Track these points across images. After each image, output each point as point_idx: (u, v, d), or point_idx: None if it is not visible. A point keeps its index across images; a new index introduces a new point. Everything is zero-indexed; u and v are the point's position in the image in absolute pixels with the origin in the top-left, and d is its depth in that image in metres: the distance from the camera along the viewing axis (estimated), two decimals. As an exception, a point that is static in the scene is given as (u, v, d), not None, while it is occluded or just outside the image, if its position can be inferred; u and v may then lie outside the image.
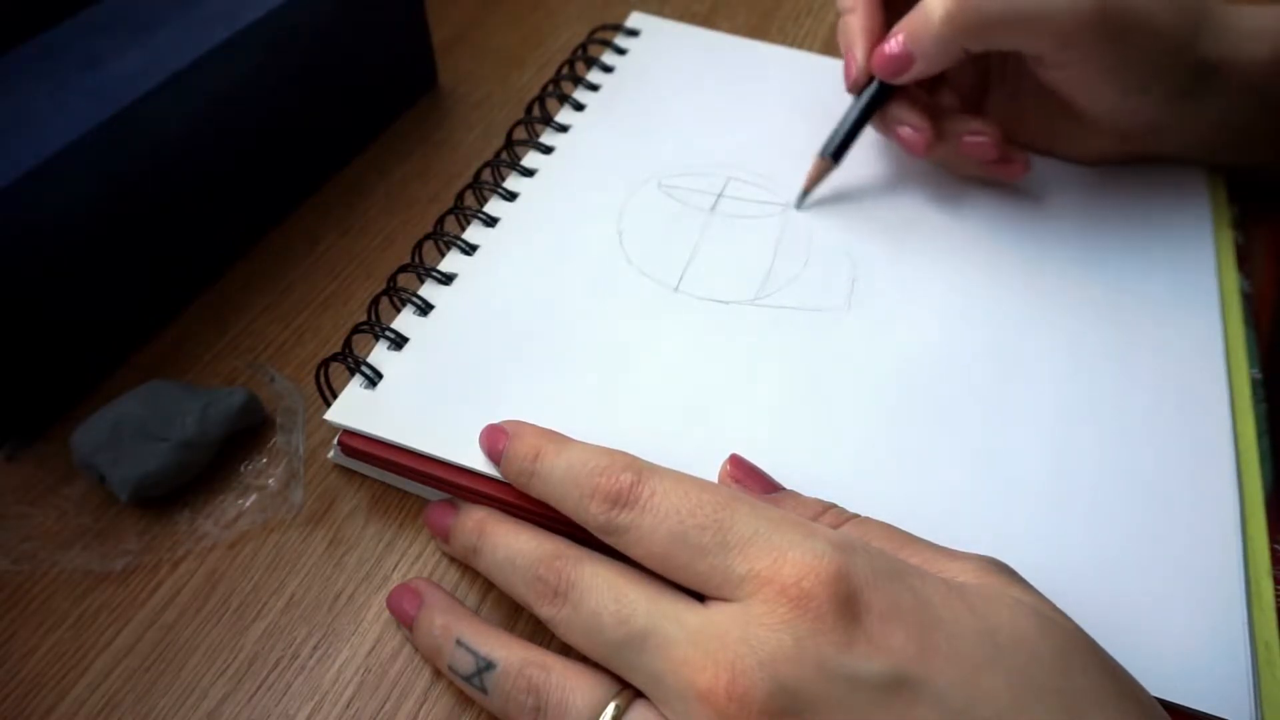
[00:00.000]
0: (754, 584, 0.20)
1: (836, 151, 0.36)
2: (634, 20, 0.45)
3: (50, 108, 0.28)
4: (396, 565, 0.28)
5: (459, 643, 0.24)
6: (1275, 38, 0.34)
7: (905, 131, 0.35)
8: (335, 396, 0.28)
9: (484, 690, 0.23)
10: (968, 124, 0.35)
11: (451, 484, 0.27)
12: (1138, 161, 0.38)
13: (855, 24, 0.35)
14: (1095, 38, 0.32)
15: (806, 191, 0.36)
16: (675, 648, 0.20)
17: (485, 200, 0.35)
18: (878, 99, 0.35)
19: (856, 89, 0.36)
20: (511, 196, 0.35)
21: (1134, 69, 0.33)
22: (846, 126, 0.36)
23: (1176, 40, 0.33)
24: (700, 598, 0.22)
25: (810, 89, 0.41)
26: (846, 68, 0.36)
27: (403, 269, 0.32)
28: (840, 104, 0.36)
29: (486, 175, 0.36)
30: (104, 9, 0.32)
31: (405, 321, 0.31)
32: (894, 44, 0.33)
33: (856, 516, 0.24)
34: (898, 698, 0.19)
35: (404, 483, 0.29)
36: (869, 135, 0.38)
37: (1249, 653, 0.24)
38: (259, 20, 0.32)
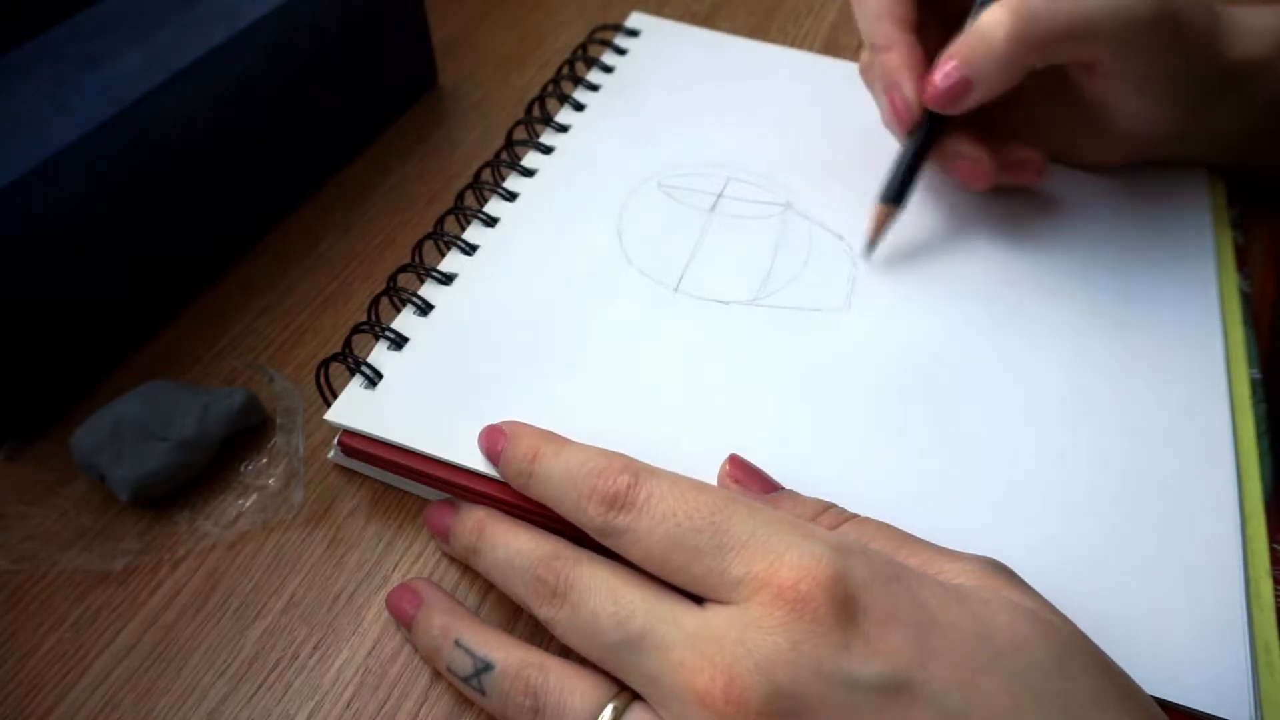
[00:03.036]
0: (751, 586, 0.20)
1: (897, 196, 0.34)
2: (634, 20, 0.45)
3: (50, 108, 0.28)
4: (396, 565, 0.28)
5: (457, 644, 0.24)
6: None
7: (965, 165, 0.34)
8: (335, 396, 0.29)
9: (482, 691, 0.23)
10: (1016, 150, 0.35)
11: (451, 484, 0.27)
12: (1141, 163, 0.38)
13: (896, 60, 0.34)
14: (1149, 43, 0.31)
15: (872, 241, 0.34)
16: (673, 650, 0.20)
17: (485, 200, 0.35)
18: (931, 134, 0.34)
19: (909, 128, 0.34)
20: (511, 196, 0.35)
21: (1173, 74, 0.33)
22: (903, 168, 0.34)
23: (1205, 43, 0.33)
24: (698, 600, 0.22)
25: (811, 89, 0.41)
26: (893, 106, 0.34)
27: (403, 269, 0.32)
28: (841, 104, 0.36)
29: (486, 175, 0.36)
30: (104, 9, 0.32)
31: (405, 321, 0.31)
32: (948, 73, 0.32)
33: (855, 516, 0.24)
34: (895, 700, 0.19)
35: (404, 483, 0.29)
36: (859, 138, 0.37)
37: (1249, 653, 0.24)
38: (259, 20, 0.32)
